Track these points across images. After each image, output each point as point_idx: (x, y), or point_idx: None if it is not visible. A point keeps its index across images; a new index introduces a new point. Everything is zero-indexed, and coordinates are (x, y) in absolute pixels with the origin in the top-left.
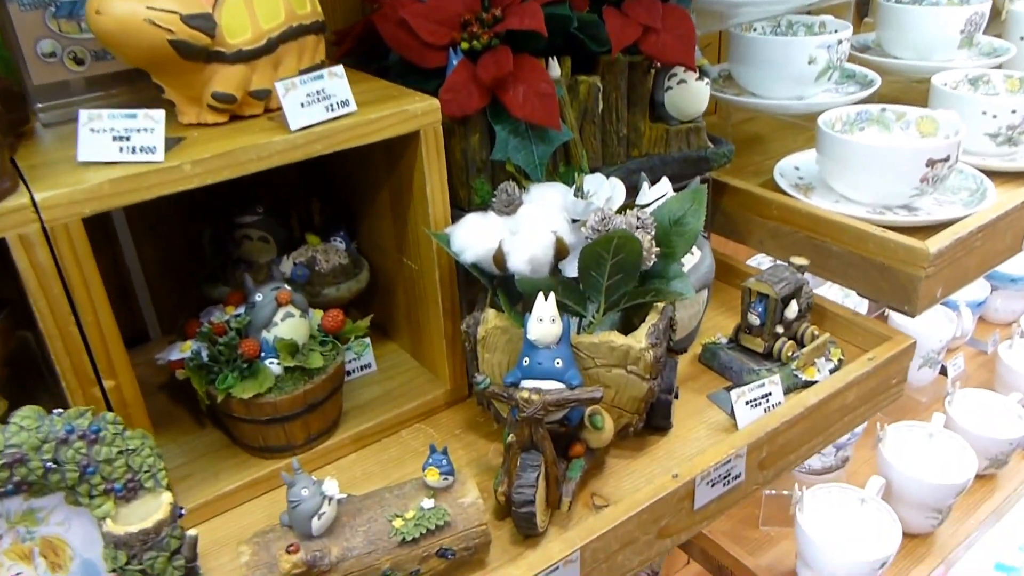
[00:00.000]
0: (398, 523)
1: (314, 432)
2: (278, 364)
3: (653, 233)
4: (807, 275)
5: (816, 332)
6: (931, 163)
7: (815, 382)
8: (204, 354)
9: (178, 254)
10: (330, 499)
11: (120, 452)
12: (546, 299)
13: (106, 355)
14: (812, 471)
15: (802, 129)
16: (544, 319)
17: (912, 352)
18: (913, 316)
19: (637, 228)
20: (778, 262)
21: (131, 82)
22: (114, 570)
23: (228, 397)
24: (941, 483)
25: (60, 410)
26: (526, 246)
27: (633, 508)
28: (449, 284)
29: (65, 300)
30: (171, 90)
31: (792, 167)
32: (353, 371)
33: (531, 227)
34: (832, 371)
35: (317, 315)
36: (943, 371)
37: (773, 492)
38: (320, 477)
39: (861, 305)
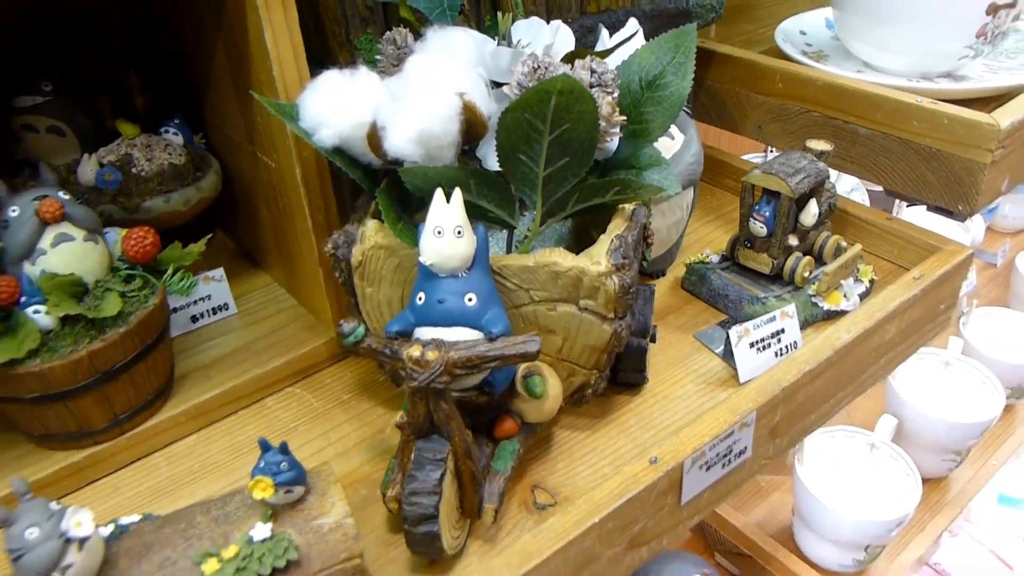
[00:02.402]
0: (209, 568)
1: (122, 410)
2: (46, 313)
3: (616, 93)
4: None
5: (841, 243)
6: (993, 9)
7: (841, 312)
8: None
9: None
10: (79, 542)
11: None
12: (448, 199)
13: None
14: None
15: None
16: (444, 231)
17: (969, 266)
18: (969, 216)
19: (593, 87)
20: (789, 152)
21: None
22: None
23: None
24: (962, 421)
25: None
26: (414, 115)
27: (592, 515)
28: (319, 187)
29: None
30: None
31: (797, 31)
32: (202, 315)
33: (423, 87)
34: (863, 296)
35: (119, 241)
36: None
37: None
38: (137, 471)
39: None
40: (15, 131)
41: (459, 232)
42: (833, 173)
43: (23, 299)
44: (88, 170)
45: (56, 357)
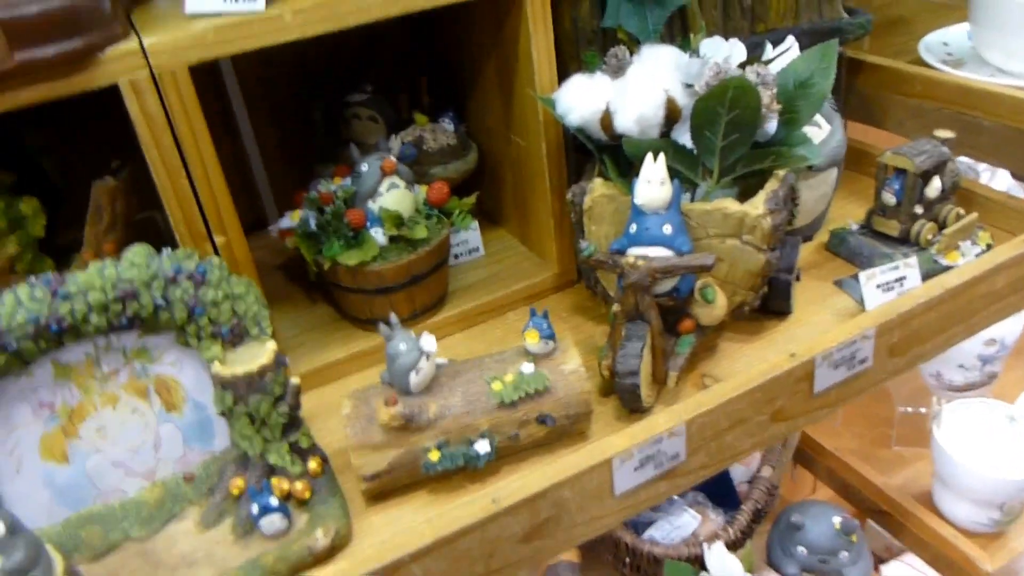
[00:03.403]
0: (497, 386)
1: (419, 306)
2: (383, 233)
3: (775, 90)
4: (957, 157)
5: (961, 213)
6: None
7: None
8: (312, 222)
9: (294, 139)
10: (427, 354)
11: (226, 296)
12: (655, 160)
13: (216, 210)
14: (953, 387)
15: (953, 9)
16: (652, 181)
17: None
18: None
19: (757, 85)
20: (918, 139)
21: None
22: (223, 412)
23: (335, 265)
24: None
25: (169, 249)
26: (634, 104)
27: (745, 385)
28: (557, 159)
29: (175, 152)
30: None
31: (940, 43)
32: (461, 254)
33: (640, 85)
34: (979, 256)
35: (424, 191)
36: None
37: (908, 410)
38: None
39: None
40: (347, 118)
41: (662, 182)
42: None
43: (368, 224)
44: (396, 146)
45: (387, 263)
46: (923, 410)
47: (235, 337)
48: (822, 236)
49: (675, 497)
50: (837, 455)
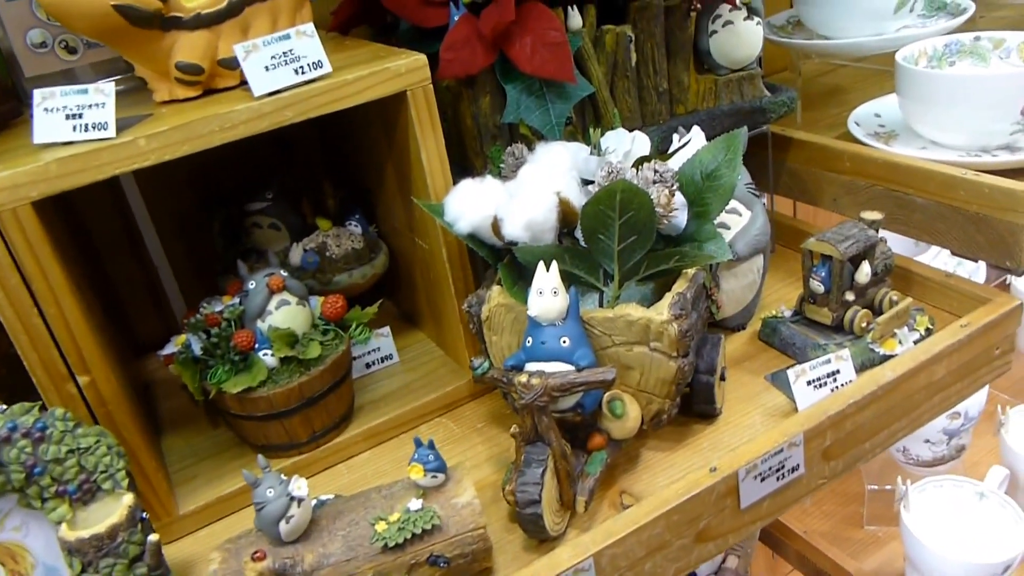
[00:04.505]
0: (381, 527)
1: (319, 428)
2: (272, 355)
3: (674, 187)
4: (908, 243)
5: (896, 297)
6: None
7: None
8: (196, 347)
9: (201, 250)
10: (298, 501)
11: (71, 451)
12: (547, 269)
13: (76, 349)
14: (922, 462)
15: (887, 77)
16: (544, 291)
17: (1020, 316)
18: (1019, 273)
19: (654, 183)
20: (844, 222)
21: (129, 68)
22: None
23: (220, 392)
24: None
25: (3, 406)
26: (523, 209)
27: (660, 507)
28: (460, 263)
29: (25, 291)
30: (138, 65)
31: (872, 114)
32: (374, 363)
33: (530, 188)
34: (918, 343)
35: (320, 304)
36: None
37: (876, 488)
38: (327, 476)
39: (978, 274)
40: (247, 227)
41: (555, 292)
42: (923, 246)
43: (256, 346)
44: (296, 255)
45: (277, 387)
46: (889, 487)
47: (85, 494)
48: (755, 324)
49: None
50: (806, 539)
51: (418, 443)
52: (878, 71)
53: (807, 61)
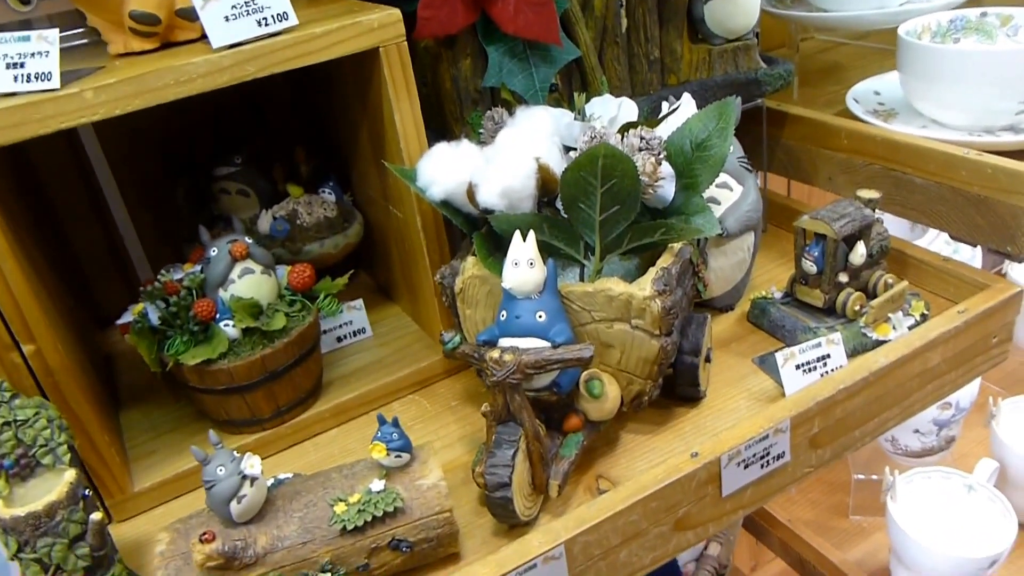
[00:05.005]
0: (340, 508)
1: (283, 404)
2: (233, 326)
3: (661, 155)
4: (905, 226)
5: (891, 280)
6: None
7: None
8: (154, 316)
9: (172, 217)
10: (251, 480)
11: (7, 423)
12: (524, 239)
13: (19, 316)
14: (910, 452)
15: (888, 55)
16: (520, 263)
17: (1019, 303)
18: (1019, 259)
19: (640, 150)
20: (839, 200)
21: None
22: (12, 558)
23: (178, 364)
24: None
25: None
26: (499, 175)
27: (637, 493)
28: (435, 232)
29: None
30: (91, 14)
31: (871, 91)
32: (345, 337)
33: (508, 153)
34: (912, 328)
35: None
36: None
37: (863, 477)
38: (292, 453)
39: (974, 261)
40: (215, 193)
41: (531, 263)
42: (919, 230)
43: (217, 316)
44: (265, 222)
45: (239, 359)
46: (876, 477)
47: (23, 469)
48: (744, 305)
49: None
50: (790, 527)
51: (382, 420)
52: (879, 49)
53: (806, 39)
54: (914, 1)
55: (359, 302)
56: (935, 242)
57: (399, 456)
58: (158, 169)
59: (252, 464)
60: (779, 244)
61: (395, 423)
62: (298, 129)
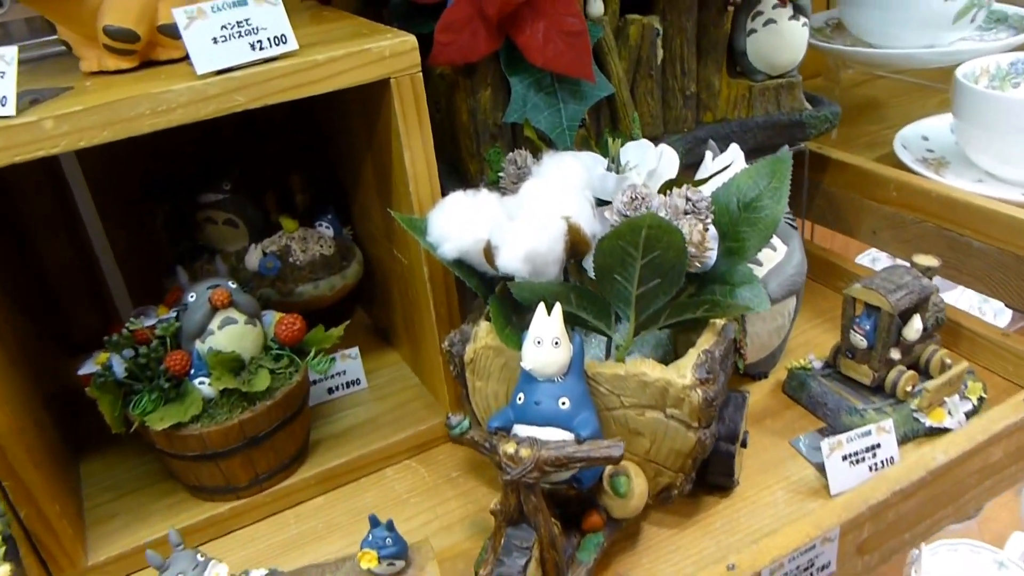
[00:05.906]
0: None
1: (262, 471)
2: (209, 384)
3: (709, 221)
4: (937, 280)
5: (948, 360)
6: None
7: (945, 430)
8: (120, 369)
9: (152, 241)
10: None
11: None
12: (549, 313)
13: None
14: None
15: (932, 93)
16: (544, 341)
17: None
18: None
19: (686, 214)
20: (897, 261)
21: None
22: None
23: (144, 426)
24: None
25: None
26: (523, 236)
27: None
28: (443, 284)
29: None
30: (61, 26)
31: (919, 137)
32: (338, 388)
33: (533, 210)
34: (969, 414)
35: (275, 322)
36: None
37: None
38: (270, 525)
39: (1002, 317)
40: (199, 222)
41: (556, 343)
42: (943, 282)
43: (192, 371)
44: (254, 258)
45: (214, 423)
46: None
47: None
48: (779, 372)
49: None
50: None
51: (374, 522)
52: (919, 85)
53: (845, 69)
54: (967, 39)
55: (355, 351)
56: (964, 295)
57: (392, 564)
58: (139, 189)
59: (217, 573)
60: (814, 301)
61: (389, 526)
62: (296, 149)
